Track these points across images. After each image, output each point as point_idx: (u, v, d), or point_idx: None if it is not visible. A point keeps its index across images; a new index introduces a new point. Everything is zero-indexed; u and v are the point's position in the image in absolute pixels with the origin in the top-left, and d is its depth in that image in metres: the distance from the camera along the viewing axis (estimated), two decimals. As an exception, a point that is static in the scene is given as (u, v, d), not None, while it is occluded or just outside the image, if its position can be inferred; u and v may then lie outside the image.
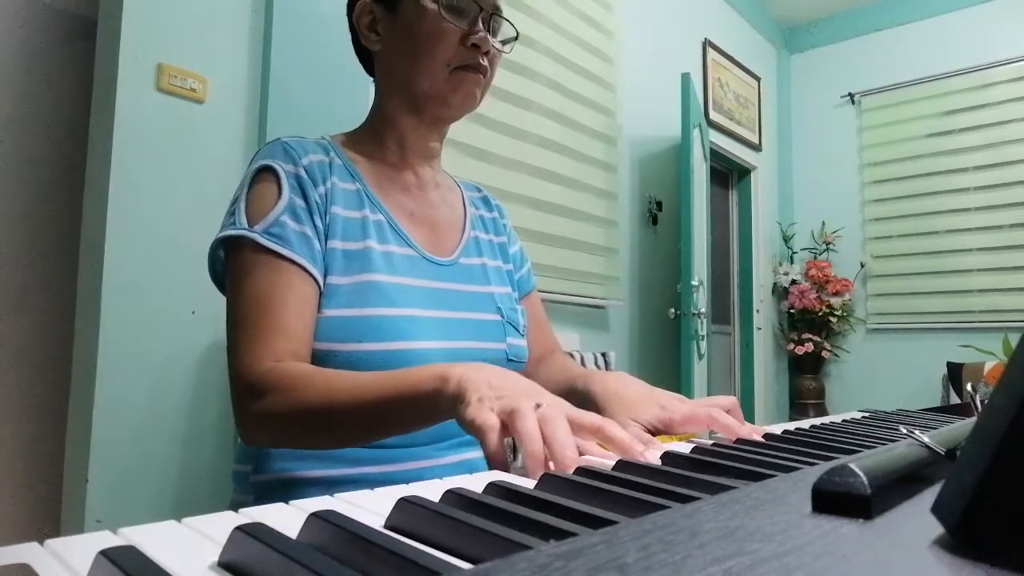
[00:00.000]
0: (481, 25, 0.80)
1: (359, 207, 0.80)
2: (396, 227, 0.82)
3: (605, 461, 0.48)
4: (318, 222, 0.76)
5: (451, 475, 0.51)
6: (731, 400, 0.72)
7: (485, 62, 0.82)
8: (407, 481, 0.46)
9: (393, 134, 0.86)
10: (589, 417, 0.53)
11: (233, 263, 0.73)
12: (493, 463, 0.52)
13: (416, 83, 0.81)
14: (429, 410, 0.59)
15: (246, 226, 0.72)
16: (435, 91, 0.81)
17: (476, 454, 0.83)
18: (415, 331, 0.76)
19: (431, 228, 0.87)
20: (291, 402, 0.64)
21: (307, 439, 0.69)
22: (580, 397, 0.80)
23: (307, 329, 0.71)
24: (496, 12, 0.83)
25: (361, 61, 0.91)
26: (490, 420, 0.52)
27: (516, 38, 0.88)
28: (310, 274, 0.73)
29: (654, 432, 0.71)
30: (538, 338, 0.99)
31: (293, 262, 0.72)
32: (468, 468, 0.80)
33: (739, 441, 0.60)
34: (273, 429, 0.67)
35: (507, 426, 0.52)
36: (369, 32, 0.85)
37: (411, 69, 0.81)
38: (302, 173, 0.77)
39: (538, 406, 0.52)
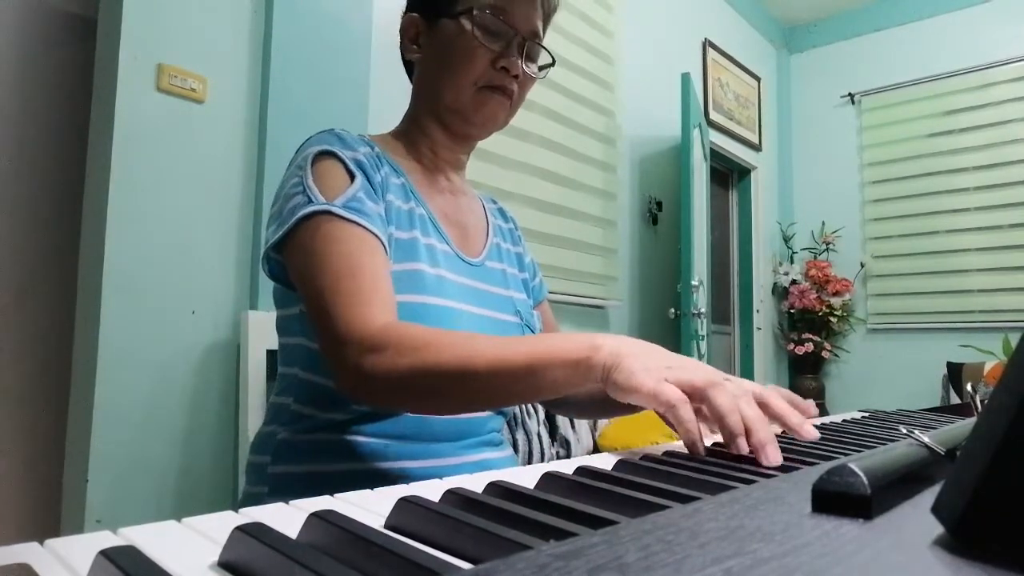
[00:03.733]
0: (515, 49, 0.82)
1: (406, 199, 0.82)
2: (436, 223, 0.85)
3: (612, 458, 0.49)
4: (382, 205, 0.78)
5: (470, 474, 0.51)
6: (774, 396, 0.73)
7: (513, 86, 0.83)
8: (426, 478, 0.46)
9: (426, 142, 0.89)
10: (753, 388, 0.55)
11: (312, 236, 0.71)
12: (689, 436, 0.50)
13: (442, 96, 0.84)
14: (576, 377, 0.58)
15: (324, 201, 0.72)
16: (459, 107, 0.83)
17: (496, 454, 0.84)
18: (455, 322, 0.78)
19: (462, 230, 0.90)
20: (419, 360, 0.62)
21: (432, 399, 0.67)
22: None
23: (394, 295, 0.71)
24: (534, 39, 0.85)
25: (407, 69, 0.94)
26: (674, 393, 0.51)
27: (552, 64, 0.90)
28: (386, 250, 0.74)
29: None
30: None
31: (375, 235, 0.72)
32: (487, 468, 0.80)
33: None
34: (394, 385, 0.64)
35: (692, 399, 0.52)
36: (411, 44, 0.88)
37: (440, 83, 0.83)
38: (361, 158, 0.78)
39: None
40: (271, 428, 0.80)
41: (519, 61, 0.83)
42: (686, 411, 0.50)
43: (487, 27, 0.81)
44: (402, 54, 0.92)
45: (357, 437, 0.75)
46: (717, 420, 0.50)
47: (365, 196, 0.75)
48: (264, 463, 0.78)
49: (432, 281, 0.78)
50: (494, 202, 1.05)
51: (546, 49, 0.88)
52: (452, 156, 0.91)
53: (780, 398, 0.57)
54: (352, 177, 0.75)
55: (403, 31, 0.89)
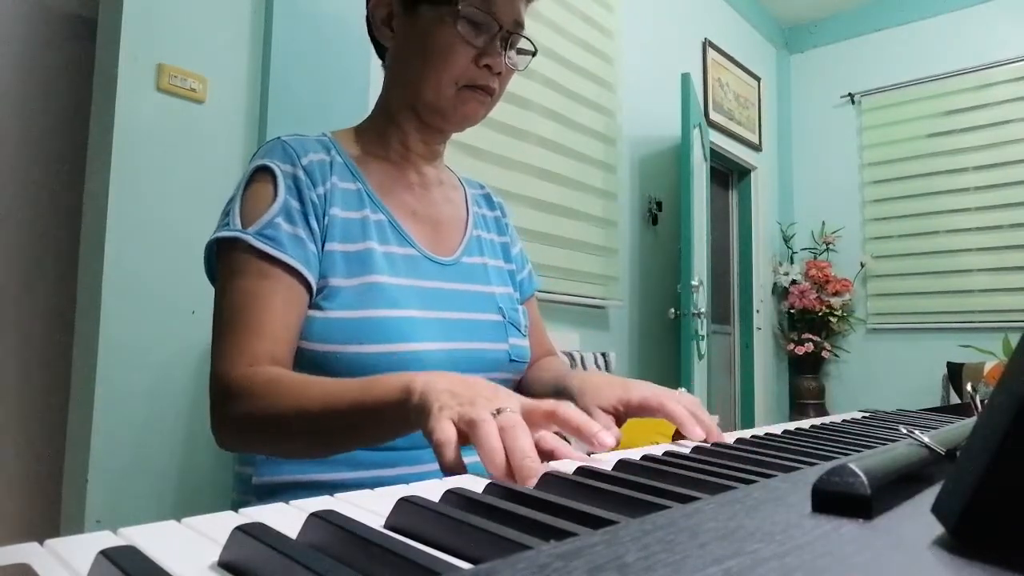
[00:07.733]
0: (498, 43, 0.78)
1: (359, 207, 0.79)
2: (397, 227, 0.81)
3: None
4: (314, 224, 0.75)
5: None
6: (693, 400, 0.71)
7: (495, 84, 0.80)
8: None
9: (396, 133, 0.85)
10: (543, 405, 0.53)
11: (224, 264, 0.73)
12: (452, 473, 0.49)
13: (421, 93, 0.80)
14: (397, 422, 0.57)
15: (239, 227, 0.72)
16: (439, 105, 0.80)
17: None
18: (416, 333, 0.75)
19: (434, 227, 0.86)
20: (262, 408, 0.63)
21: (278, 446, 0.68)
22: (563, 395, 0.79)
23: (289, 331, 0.71)
24: (518, 29, 0.80)
25: (376, 48, 0.89)
26: (446, 434, 0.50)
27: (534, 54, 0.85)
28: (302, 276, 0.72)
29: (617, 415, 0.73)
30: (536, 343, 0.98)
31: (284, 264, 0.71)
32: (471, 472, 0.79)
33: (739, 441, 0.60)
34: (245, 435, 0.67)
35: (466, 436, 0.50)
36: (383, 27, 0.83)
37: (418, 78, 0.79)
38: (300, 173, 0.76)
39: (497, 412, 0.50)
40: None
41: (502, 57, 0.78)
42: (447, 454, 0.49)
43: (470, 19, 0.76)
44: (370, 33, 0.86)
45: None
46: (483, 458, 0.48)
47: (283, 220, 0.73)
48: (248, 474, 0.77)
49: (391, 292, 0.75)
50: (481, 187, 1.01)
51: (528, 39, 0.82)
52: (425, 149, 0.87)
53: (569, 407, 0.54)
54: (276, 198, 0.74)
55: (372, 10, 0.83)
